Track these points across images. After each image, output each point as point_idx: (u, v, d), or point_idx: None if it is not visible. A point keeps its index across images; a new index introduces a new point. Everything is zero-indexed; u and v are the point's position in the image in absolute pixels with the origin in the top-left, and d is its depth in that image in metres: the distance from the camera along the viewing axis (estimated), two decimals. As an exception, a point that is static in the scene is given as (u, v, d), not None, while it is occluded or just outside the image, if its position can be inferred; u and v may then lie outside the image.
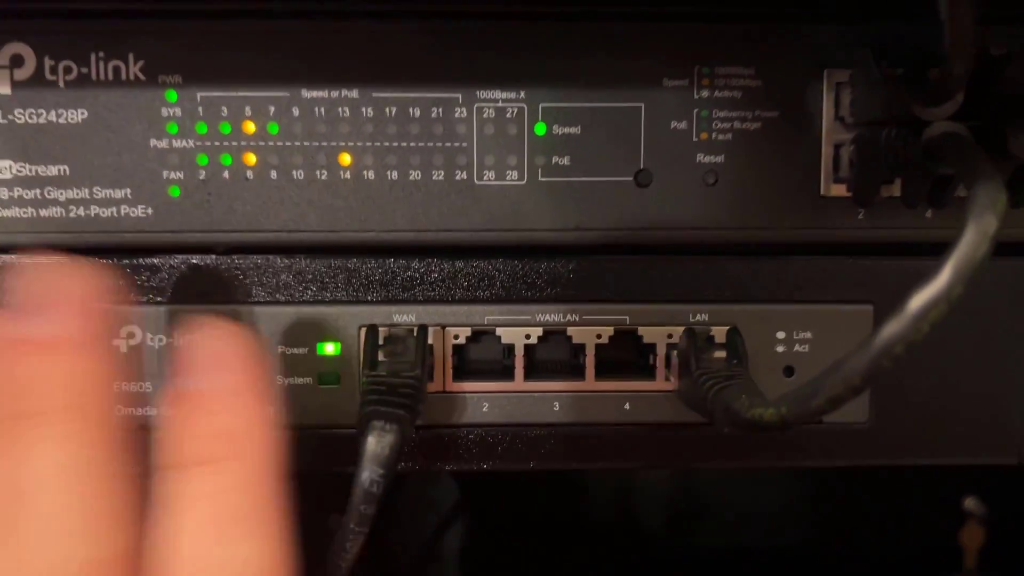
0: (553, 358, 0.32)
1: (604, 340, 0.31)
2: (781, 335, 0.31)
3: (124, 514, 0.21)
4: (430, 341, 0.30)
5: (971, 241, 0.20)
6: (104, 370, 0.22)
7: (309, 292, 0.30)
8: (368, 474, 0.26)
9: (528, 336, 0.31)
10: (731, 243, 0.31)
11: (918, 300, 0.20)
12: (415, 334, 0.30)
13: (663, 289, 0.31)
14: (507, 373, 0.31)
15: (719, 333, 0.31)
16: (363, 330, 0.30)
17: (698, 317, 0.31)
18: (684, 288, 0.31)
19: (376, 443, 0.26)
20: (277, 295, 0.30)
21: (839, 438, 0.32)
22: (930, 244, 0.31)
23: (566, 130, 0.30)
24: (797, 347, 0.31)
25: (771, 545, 0.71)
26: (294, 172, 0.30)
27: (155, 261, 0.30)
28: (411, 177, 0.30)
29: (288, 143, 0.30)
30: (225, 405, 0.21)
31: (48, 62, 0.29)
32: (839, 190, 0.30)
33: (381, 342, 0.30)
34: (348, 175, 0.30)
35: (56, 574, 0.20)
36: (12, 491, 0.21)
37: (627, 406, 0.31)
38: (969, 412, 0.32)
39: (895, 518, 0.70)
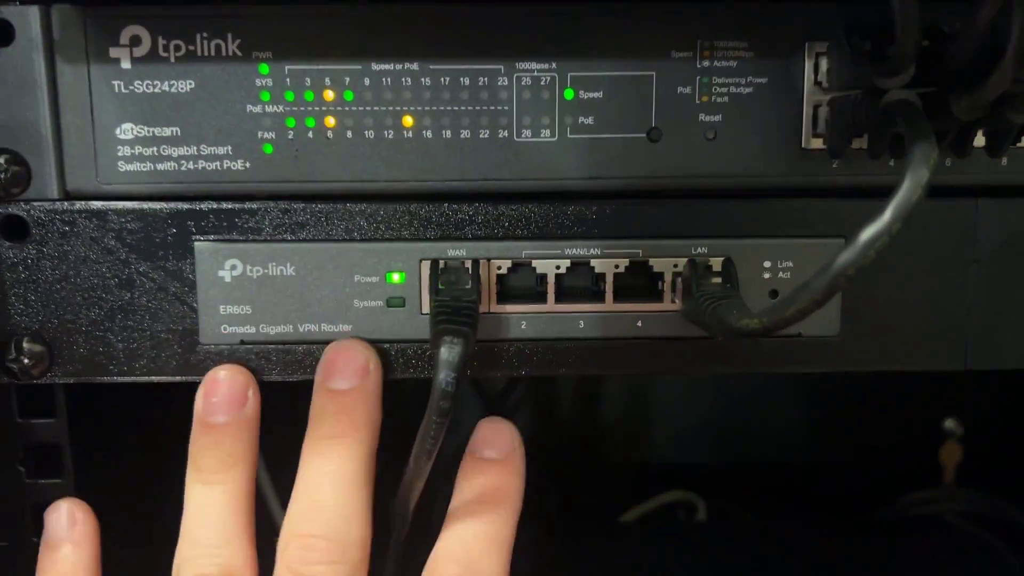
0: (579, 285, 0.38)
1: (621, 269, 0.37)
2: (767, 264, 0.37)
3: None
4: (479, 271, 0.37)
5: (908, 189, 0.26)
6: (377, 410, 0.36)
7: (379, 231, 0.37)
8: (444, 376, 0.32)
9: (558, 267, 0.37)
10: (727, 189, 0.37)
11: (866, 234, 0.26)
12: (468, 266, 0.36)
13: (670, 227, 0.37)
14: (541, 297, 0.37)
15: (716, 263, 0.37)
16: (425, 263, 0.37)
17: (699, 250, 0.37)
18: (687, 226, 0.37)
19: (448, 352, 0.33)
20: (353, 234, 0.37)
21: (814, 349, 0.38)
22: (892, 188, 0.37)
23: (590, 95, 0.36)
24: (781, 274, 0.38)
25: (752, 461, 0.77)
26: (366, 132, 0.36)
27: (253, 206, 0.36)
28: (462, 135, 0.36)
29: (360, 108, 0.36)
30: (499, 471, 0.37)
31: (161, 41, 0.35)
32: (817, 143, 0.36)
33: (440, 272, 0.37)
34: (410, 134, 0.36)
35: (345, 542, 0.34)
36: (321, 481, 0.35)
37: (639, 324, 0.38)
38: (924, 327, 0.38)
39: (878, 437, 0.76)
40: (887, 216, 0.26)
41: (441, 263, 0.37)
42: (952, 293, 0.38)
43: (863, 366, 0.39)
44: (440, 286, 0.36)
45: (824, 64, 0.36)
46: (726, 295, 0.34)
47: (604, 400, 0.78)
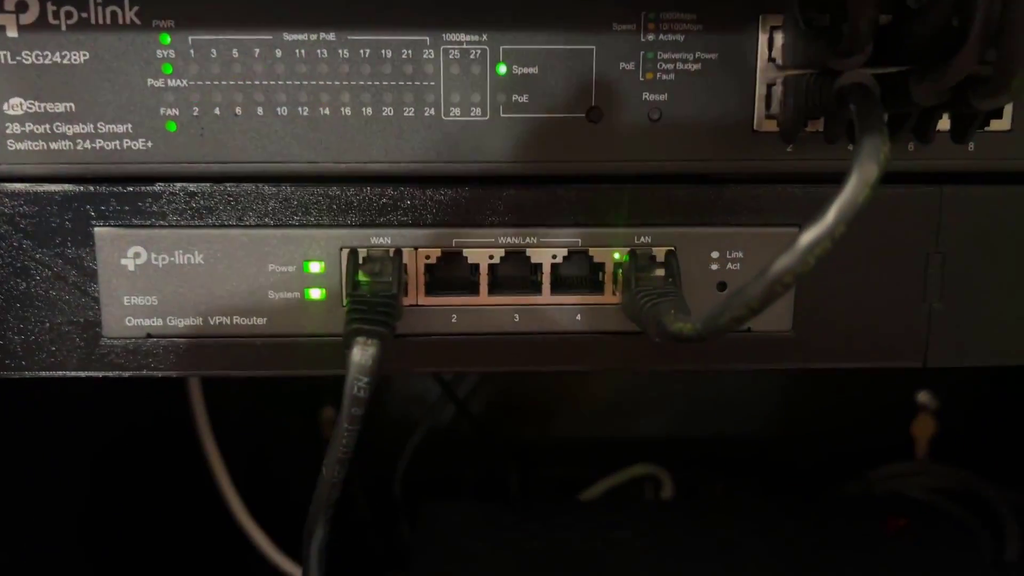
0: (514, 276, 0.36)
1: (559, 260, 0.35)
2: (715, 255, 0.35)
3: None
4: (405, 261, 0.34)
5: (854, 187, 0.24)
6: None
7: (295, 217, 0.34)
8: (354, 381, 0.30)
9: (491, 256, 0.35)
10: (673, 173, 0.34)
11: (806, 238, 0.24)
12: (391, 256, 0.33)
13: (611, 214, 0.35)
14: (473, 288, 0.35)
15: (660, 254, 0.35)
16: (344, 251, 0.34)
17: (642, 239, 0.35)
18: (630, 213, 0.35)
19: (360, 354, 0.30)
20: (266, 219, 0.34)
21: (766, 345, 0.36)
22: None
23: (525, 70, 0.33)
24: (730, 265, 0.35)
25: (727, 436, 0.76)
26: (278, 109, 0.33)
27: (157, 189, 0.34)
28: (384, 113, 0.33)
29: (272, 82, 0.33)
30: None
31: (50, 7, 0.32)
32: (770, 126, 0.34)
33: (361, 262, 0.34)
34: (327, 112, 0.33)
35: None
36: None
37: (579, 317, 0.35)
38: (880, 323, 0.36)
39: (849, 410, 0.75)
40: (829, 218, 0.24)
41: (362, 252, 0.34)
42: (913, 287, 0.36)
43: (817, 363, 0.36)
44: (361, 277, 0.33)
45: (779, 39, 0.33)
46: (666, 292, 0.32)
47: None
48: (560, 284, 0.35)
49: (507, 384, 0.75)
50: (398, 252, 0.33)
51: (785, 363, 0.36)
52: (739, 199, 0.35)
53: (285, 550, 0.62)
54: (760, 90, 0.33)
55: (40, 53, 0.32)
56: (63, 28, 0.32)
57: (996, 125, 0.34)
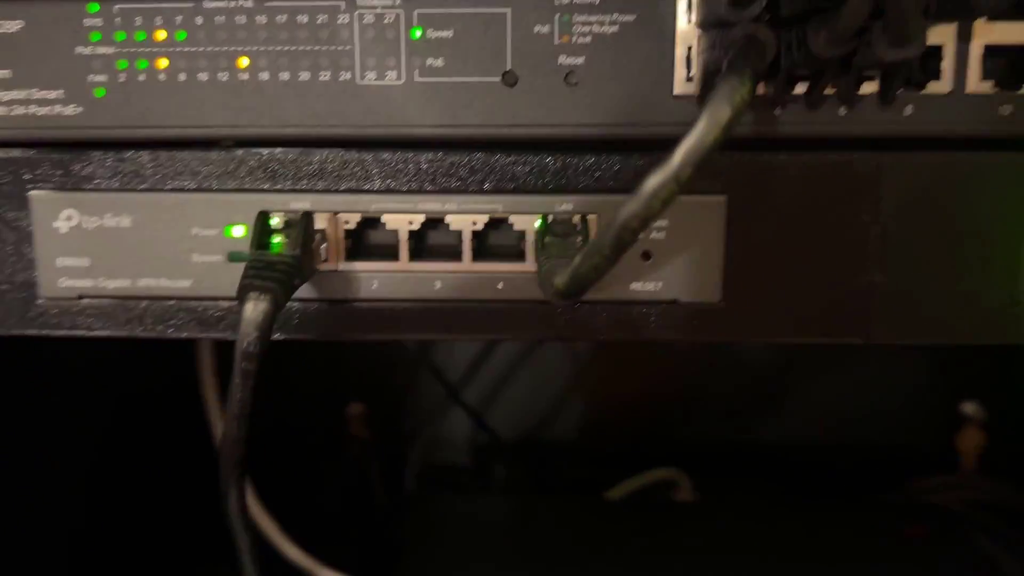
0: (440, 243, 0.35)
1: (479, 227, 0.34)
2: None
3: None
4: (323, 226, 0.34)
5: (702, 129, 0.23)
6: None
7: (217, 182, 0.35)
8: (244, 336, 0.30)
9: (411, 223, 0.35)
10: (591, 139, 0.34)
11: (651, 181, 0.23)
12: (300, 219, 0.34)
13: (531, 181, 0.34)
14: (394, 255, 0.35)
15: (579, 221, 0.34)
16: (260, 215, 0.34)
17: (562, 207, 0.34)
18: (549, 180, 0.34)
19: (252, 310, 0.30)
20: (190, 183, 0.35)
21: (693, 317, 0.35)
22: (780, 139, 0.33)
23: (439, 34, 0.33)
24: (655, 234, 0.34)
25: (766, 442, 0.74)
26: (199, 75, 0.34)
27: (88, 153, 0.35)
28: (301, 78, 0.34)
29: (193, 49, 0.34)
30: None
31: (-13, -23, 0.34)
32: (691, 89, 0.33)
33: (282, 227, 0.34)
34: (246, 76, 0.34)
35: None
36: None
37: (500, 286, 0.35)
38: (818, 297, 0.34)
39: (890, 419, 0.72)
40: (675, 161, 0.23)
41: (276, 216, 0.34)
42: (852, 258, 0.34)
43: (749, 336, 0.35)
44: (275, 240, 0.34)
45: (696, -1, 0.32)
46: (567, 255, 0.31)
47: (594, 372, 0.75)
48: (485, 252, 0.35)
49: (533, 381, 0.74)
50: (307, 215, 0.34)
51: (713, 336, 0.35)
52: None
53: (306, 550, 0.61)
54: (680, 52, 0.33)
55: (-23, 22, 0.34)
56: (-1, -2, 0.34)
57: (934, 88, 0.32)
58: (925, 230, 0.34)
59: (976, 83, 0.32)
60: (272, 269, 0.31)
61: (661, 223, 0.34)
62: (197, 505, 0.57)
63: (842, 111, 0.33)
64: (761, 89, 0.32)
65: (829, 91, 0.32)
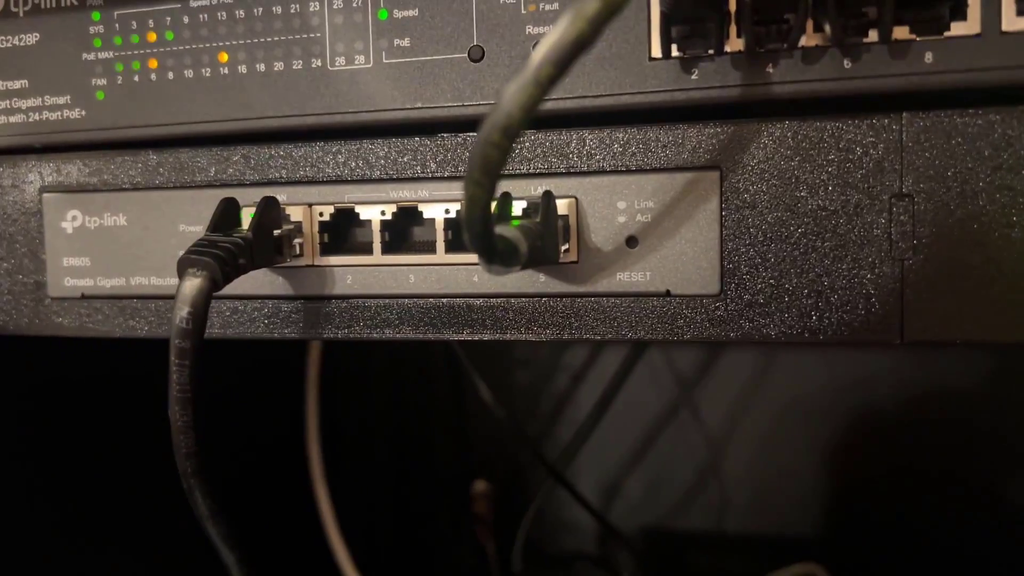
0: (413, 237, 0.33)
1: (452, 214, 0.32)
2: (622, 205, 0.31)
3: None
4: (299, 218, 0.33)
5: (566, 22, 0.20)
6: None
7: (199, 176, 0.35)
8: (179, 312, 0.29)
9: (383, 212, 0.33)
10: (566, 113, 0.31)
11: (510, 87, 0.20)
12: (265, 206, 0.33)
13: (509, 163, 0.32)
14: (367, 249, 0.33)
15: (562, 205, 0.31)
16: (247, 209, 0.34)
17: (539, 190, 0.31)
18: (525, 162, 0.31)
19: (188, 286, 0.29)
20: (176, 179, 0.35)
21: (689, 312, 0.30)
22: (774, 102, 0.29)
23: (405, 13, 0.32)
24: (640, 216, 0.31)
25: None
26: (185, 72, 0.34)
27: (91, 155, 0.36)
28: (276, 68, 0.33)
29: (179, 47, 0.34)
30: None
31: (12, -3, 0.36)
32: (671, 51, 0.29)
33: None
34: (226, 71, 0.34)
35: None
36: None
37: (476, 279, 0.32)
38: (839, 288, 0.29)
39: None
40: (535, 60, 0.20)
41: (245, 205, 0.33)
42: (873, 240, 0.29)
43: (752, 334, 0.30)
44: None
45: (667, -49, 0.29)
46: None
47: (727, 463, 0.69)
48: (459, 245, 0.32)
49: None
50: (268, 199, 0.33)
51: (712, 333, 0.30)
52: (645, 140, 0.30)
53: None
54: (656, 13, 0.29)
55: (3, 39, 0.36)
56: (20, 15, 0.36)
57: (959, 29, 0.27)
58: (960, 199, 0.28)
59: (1011, 19, 0.27)
60: (215, 247, 0.30)
61: (647, 204, 0.30)
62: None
63: (847, 63, 0.28)
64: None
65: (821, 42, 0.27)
